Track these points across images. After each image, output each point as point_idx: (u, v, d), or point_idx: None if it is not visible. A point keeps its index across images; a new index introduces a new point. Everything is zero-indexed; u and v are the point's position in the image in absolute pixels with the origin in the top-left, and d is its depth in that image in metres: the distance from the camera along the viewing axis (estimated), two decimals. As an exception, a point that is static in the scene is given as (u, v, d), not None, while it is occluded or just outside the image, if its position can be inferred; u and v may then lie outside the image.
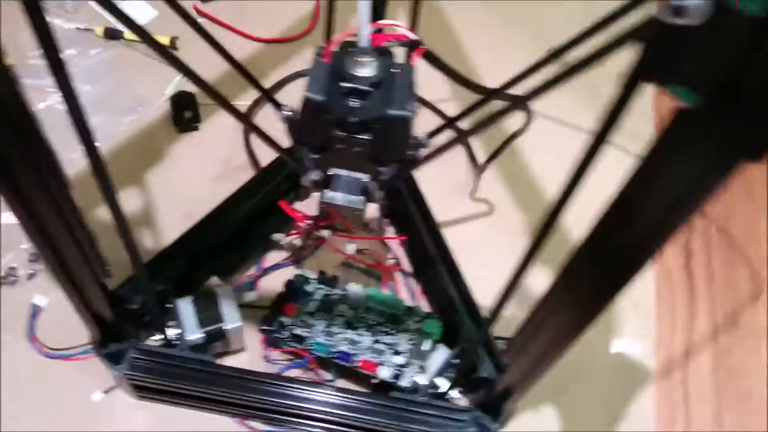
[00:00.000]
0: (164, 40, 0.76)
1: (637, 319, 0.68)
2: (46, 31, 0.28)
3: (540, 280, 0.43)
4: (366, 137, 0.39)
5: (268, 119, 0.73)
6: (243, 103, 0.74)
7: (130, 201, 0.66)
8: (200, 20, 0.81)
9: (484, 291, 0.61)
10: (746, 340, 0.70)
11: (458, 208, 0.72)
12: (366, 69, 0.37)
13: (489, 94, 0.40)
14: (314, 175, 0.40)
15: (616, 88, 0.26)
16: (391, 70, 0.39)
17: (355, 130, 0.38)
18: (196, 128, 0.72)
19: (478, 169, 0.66)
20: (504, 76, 0.83)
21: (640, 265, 0.32)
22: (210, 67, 0.41)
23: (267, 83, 0.77)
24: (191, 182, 0.69)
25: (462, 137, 0.38)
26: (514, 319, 0.56)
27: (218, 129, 0.73)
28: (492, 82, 0.83)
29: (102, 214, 0.55)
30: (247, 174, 0.70)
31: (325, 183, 0.43)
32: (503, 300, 0.43)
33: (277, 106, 0.46)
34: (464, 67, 0.83)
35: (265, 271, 0.64)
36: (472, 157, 0.74)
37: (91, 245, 0.43)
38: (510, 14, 0.91)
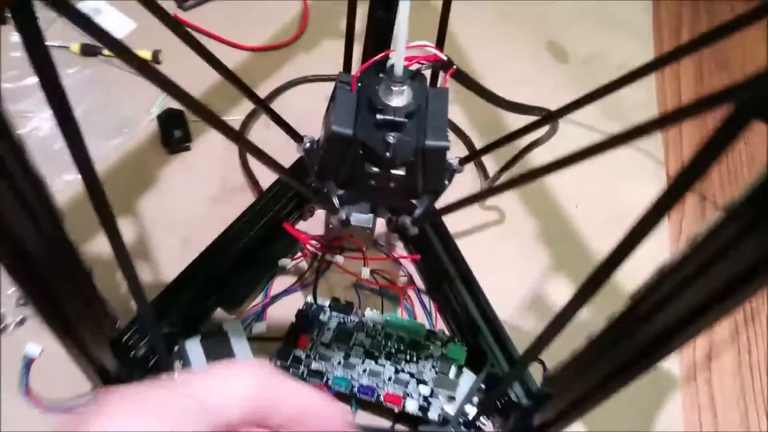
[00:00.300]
0: (146, 54, 0.71)
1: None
2: (43, 48, 0.24)
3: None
4: (399, 170, 0.35)
5: (264, 133, 0.70)
6: (235, 118, 0.70)
7: (122, 230, 0.61)
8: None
9: (498, 301, 0.59)
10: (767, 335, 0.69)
11: (468, 218, 0.69)
12: (401, 98, 0.33)
13: (546, 118, 0.36)
14: (343, 214, 0.37)
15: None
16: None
17: (388, 164, 0.35)
18: (187, 148, 0.67)
19: (490, 179, 0.63)
20: (507, 75, 0.81)
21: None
22: (197, 81, 0.37)
23: (258, 95, 0.73)
24: (187, 206, 0.64)
25: (495, 190, 0.34)
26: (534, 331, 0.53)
27: (211, 147, 0.68)
28: (495, 82, 0.80)
29: (93, 248, 0.51)
30: (245, 194, 0.66)
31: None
32: (540, 344, 0.39)
33: (275, 117, 0.43)
34: (465, 67, 0.80)
35: (273, 299, 0.60)
36: (481, 167, 0.71)
37: (97, 298, 0.39)
38: (510, 11, 0.88)
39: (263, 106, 0.44)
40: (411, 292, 0.62)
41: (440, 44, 0.39)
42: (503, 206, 0.70)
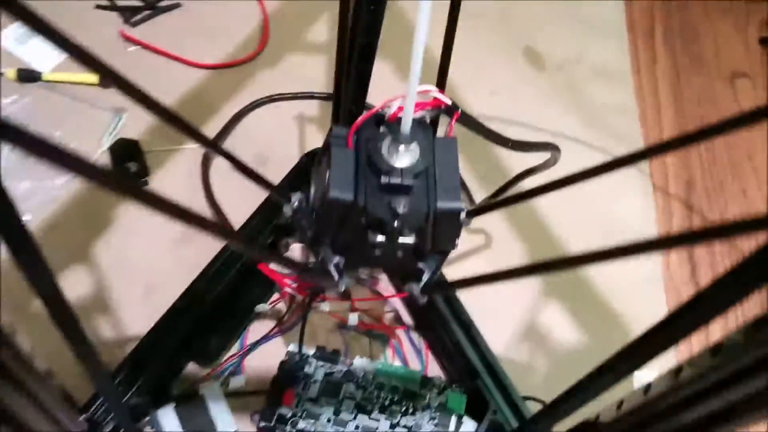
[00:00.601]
0: (91, 78, 0.64)
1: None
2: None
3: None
4: (407, 237, 0.30)
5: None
6: (196, 146, 0.64)
7: (76, 281, 0.55)
8: (131, 48, 0.69)
9: (489, 331, 0.56)
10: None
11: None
12: (408, 157, 0.28)
13: (565, 180, 0.32)
14: (342, 286, 0.32)
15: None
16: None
17: (396, 231, 0.30)
18: (145, 183, 0.61)
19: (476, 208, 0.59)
20: (482, 86, 0.77)
21: None
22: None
23: (218, 118, 0.67)
24: (148, 249, 0.58)
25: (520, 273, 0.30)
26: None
27: (171, 181, 0.62)
28: (469, 94, 0.75)
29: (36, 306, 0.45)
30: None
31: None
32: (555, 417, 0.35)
33: (228, 157, 0.37)
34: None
35: (250, 349, 0.55)
36: (465, 191, 0.66)
37: (38, 377, 0.32)
38: (481, 15, 0.83)
39: (218, 150, 0.38)
40: (400, 332, 0.58)
41: (441, 85, 0.34)
42: (489, 229, 0.66)
